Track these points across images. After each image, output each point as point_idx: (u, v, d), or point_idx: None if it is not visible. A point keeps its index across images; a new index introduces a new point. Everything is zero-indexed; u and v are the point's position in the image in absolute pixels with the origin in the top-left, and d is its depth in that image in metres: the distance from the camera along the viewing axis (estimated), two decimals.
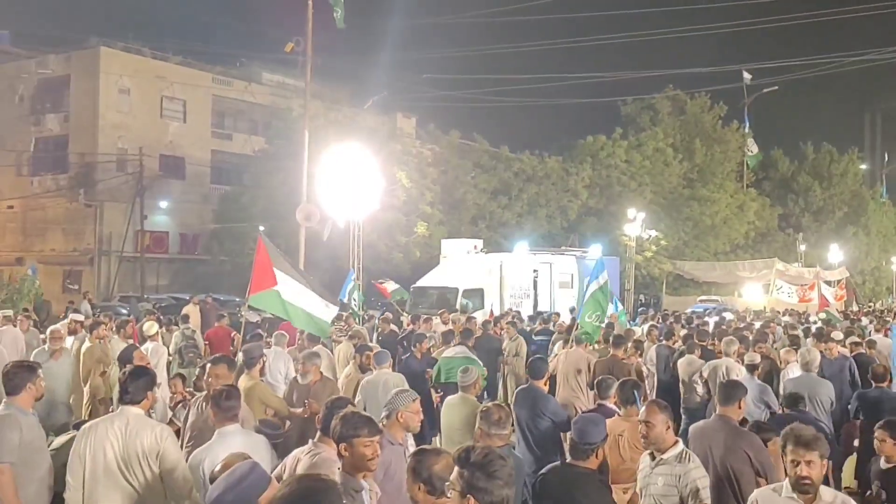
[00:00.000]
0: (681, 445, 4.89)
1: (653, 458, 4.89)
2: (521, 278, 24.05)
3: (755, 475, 5.28)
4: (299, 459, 4.69)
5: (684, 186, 40.41)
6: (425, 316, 15.73)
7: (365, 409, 7.66)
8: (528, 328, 15.94)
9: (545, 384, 7.85)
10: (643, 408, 5.00)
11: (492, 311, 19.84)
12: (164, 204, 39.48)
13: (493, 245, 28.22)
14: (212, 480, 3.72)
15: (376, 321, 15.74)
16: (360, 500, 3.79)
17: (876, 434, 5.80)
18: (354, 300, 16.00)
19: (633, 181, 37.43)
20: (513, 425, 6.50)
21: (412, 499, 3.69)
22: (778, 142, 53.69)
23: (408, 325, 15.80)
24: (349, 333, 12.10)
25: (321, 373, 8.41)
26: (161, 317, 16.59)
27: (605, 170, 37.03)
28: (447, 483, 3.17)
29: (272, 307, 10.07)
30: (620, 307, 17.41)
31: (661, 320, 19.96)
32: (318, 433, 4.82)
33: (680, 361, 10.88)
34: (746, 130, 47.24)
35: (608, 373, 8.79)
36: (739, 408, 5.63)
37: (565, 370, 10.06)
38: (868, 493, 5.88)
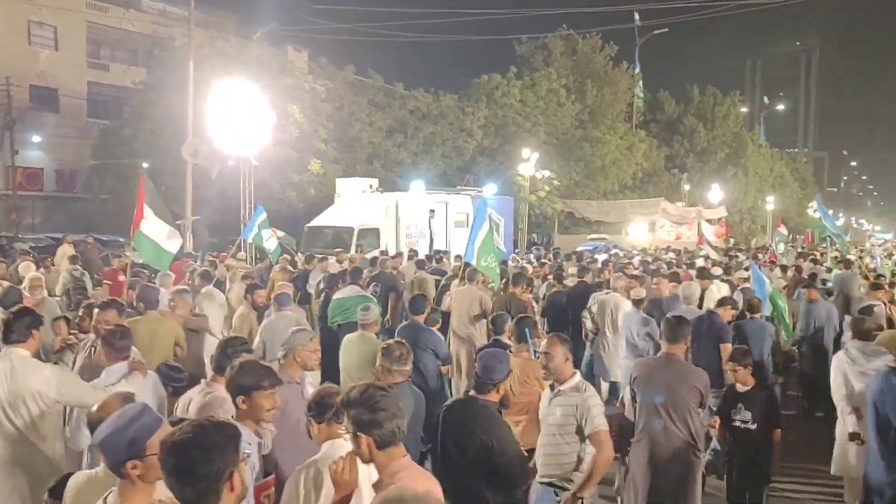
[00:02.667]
0: (578, 377, 5.02)
1: (552, 389, 5.02)
2: (416, 218, 24.03)
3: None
4: (192, 399, 4.57)
5: (577, 127, 41.17)
6: (320, 256, 15.49)
7: (265, 351, 7.57)
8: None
9: (425, 319, 7.97)
10: (545, 340, 5.11)
11: (386, 250, 19.77)
12: (37, 138, 36.99)
13: (388, 184, 27.99)
14: (89, 423, 3.56)
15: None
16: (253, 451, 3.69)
17: (727, 366, 6.30)
18: (270, 238, 15.05)
19: (527, 121, 37.79)
20: None
21: (308, 432, 3.76)
22: (666, 84, 55.49)
23: (303, 265, 15.53)
24: (243, 273, 11.81)
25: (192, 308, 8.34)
26: (37, 257, 15.69)
27: (500, 109, 37.18)
28: (344, 426, 3.16)
29: (141, 245, 10.19)
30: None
31: (552, 258, 20.49)
32: (212, 373, 4.71)
33: (571, 296, 11.23)
34: (636, 72, 48.38)
35: (506, 309, 8.97)
36: (685, 344, 5.73)
37: (459, 307, 10.17)
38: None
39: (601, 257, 22.69)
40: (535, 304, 11.49)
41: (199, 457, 2.51)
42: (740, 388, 6.38)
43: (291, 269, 14.43)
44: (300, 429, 4.02)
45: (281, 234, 19.30)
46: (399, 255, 16.87)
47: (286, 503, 3.51)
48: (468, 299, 10.23)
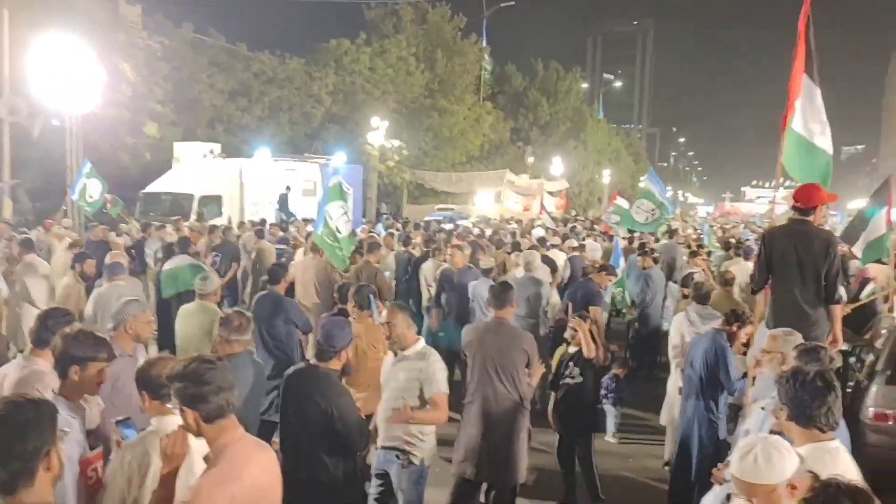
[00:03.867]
0: (422, 343, 5.13)
1: (396, 355, 5.10)
2: (262, 186, 23.37)
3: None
4: (6, 375, 4.25)
5: (426, 97, 41.38)
6: (157, 224, 14.76)
7: (97, 322, 7.14)
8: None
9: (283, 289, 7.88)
10: (385, 310, 5.18)
11: (230, 219, 19.13)
12: None
13: (231, 150, 26.97)
14: None
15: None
16: (75, 426, 3.47)
17: (570, 323, 6.71)
18: (92, 197, 13.96)
19: (376, 89, 37.53)
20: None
21: (140, 408, 3.63)
22: (512, 57, 56.86)
23: (137, 233, 14.73)
24: (70, 242, 11.03)
25: None
26: None
27: (349, 76, 36.66)
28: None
29: None
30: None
31: (401, 227, 20.61)
32: (30, 346, 4.40)
33: (423, 265, 11.36)
34: (484, 44, 49.19)
35: (357, 278, 9.00)
36: (512, 307, 5.93)
37: (304, 277, 10.04)
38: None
39: (448, 227, 23.10)
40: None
41: (13, 435, 2.39)
42: (572, 348, 6.76)
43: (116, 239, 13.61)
44: (132, 403, 3.87)
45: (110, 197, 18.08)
46: (254, 224, 16.30)
47: (109, 482, 3.35)
48: (314, 269, 10.10)
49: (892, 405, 6.98)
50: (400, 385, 4.99)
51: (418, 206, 39.48)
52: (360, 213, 30.67)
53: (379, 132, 33.73)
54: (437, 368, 5.00)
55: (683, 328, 7.54)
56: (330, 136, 35.07)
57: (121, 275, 7.96)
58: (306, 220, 17.71)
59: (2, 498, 2.38)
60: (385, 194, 40.79)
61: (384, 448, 5.09)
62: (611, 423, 8.46)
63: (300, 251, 12.48)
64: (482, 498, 6.07)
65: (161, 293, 9.83)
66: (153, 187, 22.32)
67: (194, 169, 22.69)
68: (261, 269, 12.76)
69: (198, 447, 3.07)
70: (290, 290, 9.20)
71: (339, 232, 9.65)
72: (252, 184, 23.03)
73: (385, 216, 33.04)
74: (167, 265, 9.85)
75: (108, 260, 8.37)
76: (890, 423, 6.95)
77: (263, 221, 17.33)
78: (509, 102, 52.26)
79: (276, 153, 26.44)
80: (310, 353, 9.19)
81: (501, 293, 5.89)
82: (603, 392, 7.94)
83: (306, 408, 4.42)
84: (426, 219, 28.93)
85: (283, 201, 23.11)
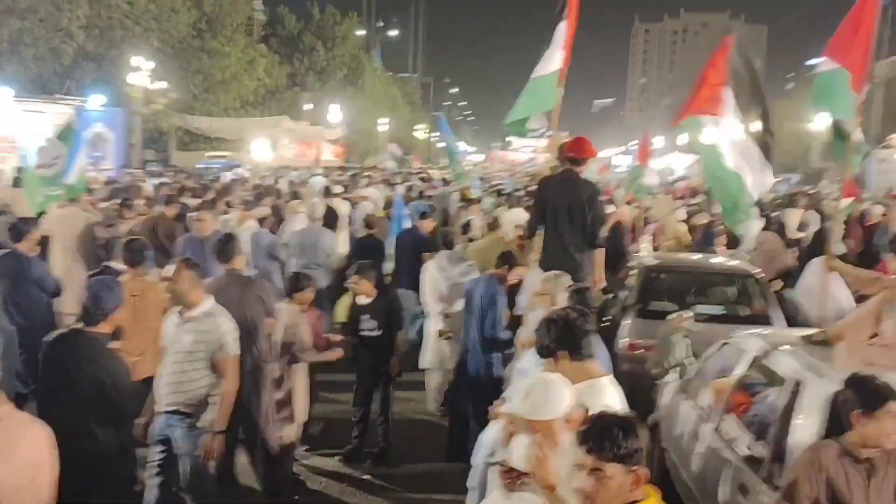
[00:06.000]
0: (211, 302, 4.88)
1: (181, 315, 4.81)
2: (4, 129, 20.79)
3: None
4: None
5: (194, 37, 38.77)
6: None
7: None
8: None
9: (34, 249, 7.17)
10: (170, 267, 4.87)
11: None
12: None
13: None
14: None
15: None
16: None
17: (352, 280, 6.76)
18: None
19: (137, 26, 34.44)
20: None
21: None
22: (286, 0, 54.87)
23: None
24: None
25: None
26: None
27: (104, 10, 33.28)
28: None
29: None
30: None
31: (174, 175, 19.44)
32: None
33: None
34: None
35: (152, 231, 8.43)
36: (242, 256, 5.88)
37: (61, 233, 9.04)
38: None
39: (227, 175, 22.14)
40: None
41: None
42: (363, 300, 6.73)
43: None
44: None
45: None
46: None
47: None
48: (72, 223, 9.17)
49: (642, 335, 7.80)
50: (185, 347, 4.73)
51: (188, 153, 37.33)
52: (122, 159, 28.42)
53: (142, 73, 31.21)
54: (226, 330, 4.80)
55: (435, 274, 7.88)
56: (85, 76, 31.83)
57: None
58: None
59: None
60: (151, 141, 38.03)
61: (166, 413, 4.83)
62: None
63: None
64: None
65: None
66: None
67: None
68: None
69: None
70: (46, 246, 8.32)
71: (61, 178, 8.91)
72: None
73: (150, 163, 30.89)
74: None
75: None
76: (640, 351, 7.78)
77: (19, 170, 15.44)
78: (283, 46, 50.49)
79: (19, 93, 23.58)
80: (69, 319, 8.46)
81: (225, 245, 5.81)
82: None
83: (74, 376, 4.08)
84: (199, 166, 27.50)
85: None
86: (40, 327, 6.23)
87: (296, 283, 6.31)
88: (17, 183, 12.67)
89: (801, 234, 12.14)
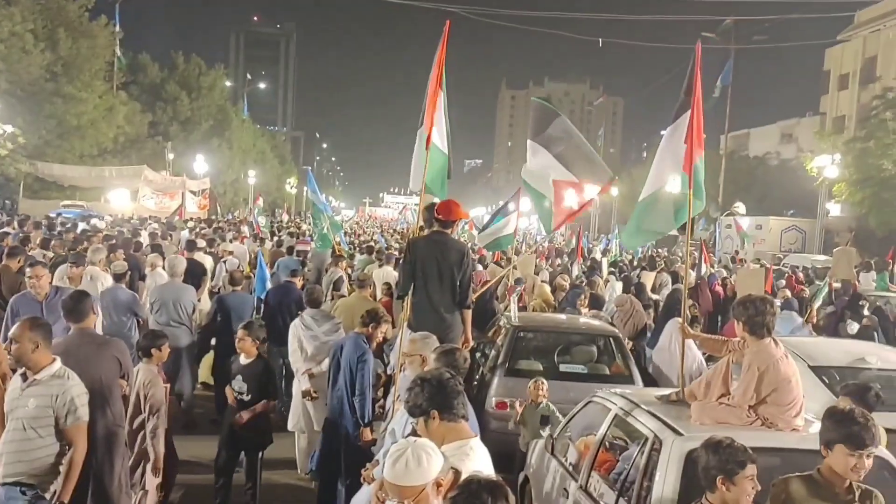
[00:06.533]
0: (58, 364, 4.56)
1: (24, 378, 4.47)
2: None
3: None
4: None
5: (47, 80, 36.82)
6: None
7: None
8: None
9: None
10: (14, 327, 4.50)
11: None
12: None
13: None
14: None
15: None
16: None
17: (238, 334, 6.52)
18: None
19: None
20: None
21: None
22: (149, 48, 53.47)
23: None
24: None
25: None
26: None
27: None
28: None
29: None
30: None
31: (17, 226, 18.15)
32: None
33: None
34: (117, 29, 45.33)
35: None
36: (94, 314, 5.59)
37: None
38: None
39: (82, 225, 20.94)
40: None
41: None
42: (243, 359, 6.53)
43: None
44: None
45: None
46: None
47: None
48: None
49: (510, 394, 7.93)
50: (30, 413, 4.37)
51: (38, 202, 35.04)
52: None
53: None
54: (77, 392, 4.50)
55: (300, 332, 7.75)
56: None
57: None
58: None
59: None
60: None
61: (6, 485, 4.40)
62: None
63: None
64: None
65: None
66: None
67: None
68: None
69: None
70: None
71: None
72: None
73: None
74: None
75: None
76: (508, 409, 7.90)
77: None
78: (144, 94, 48.88)
79: None
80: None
81: (78, 304, 5.52)
82: None
83: None
84: (52, 214, 25.89)
85: None
86: None
87: (153, 341, 6.04)
88: None
89: (656, 296, 12.88)
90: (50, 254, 11.99)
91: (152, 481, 5.73)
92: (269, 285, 10.85)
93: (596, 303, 10.98)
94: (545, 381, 7.16)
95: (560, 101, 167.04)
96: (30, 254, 11.07)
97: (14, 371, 4.76)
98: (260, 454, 6.62)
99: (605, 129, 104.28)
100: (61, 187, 37.22)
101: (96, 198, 36.77)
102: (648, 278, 13.59)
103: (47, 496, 4.43)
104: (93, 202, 35.84)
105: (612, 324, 10.32)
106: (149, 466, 5.71)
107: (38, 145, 35.59)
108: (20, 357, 4.45)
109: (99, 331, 6.86)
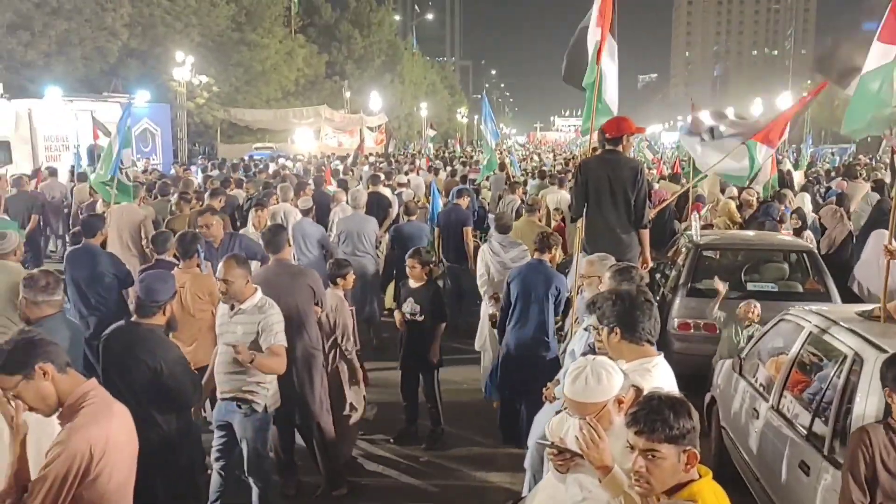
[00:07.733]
0: (259, 294, 4.95)
1: (232, 308, 4.91)
2: (57, 128, 21.33)
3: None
4: None
5: (233, 30, 39.21)
6: None
7: None
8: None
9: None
10: (220, 264, 4.93)
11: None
12: None
13: (16, 90, 24.31)
14: None
15: None
16: None
17: (407, 262, 6.76)
18: None
19: (178, 21, 34.97)
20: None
21: None
22: None
23: None
24: None
25: None
26: None
27: (146, 7, 33.83)
28: None
29: None
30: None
31: (217, 168, 19.72)
32: None
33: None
34: None
35: (190, 226, 8.52)
36: (289, 246, 5.94)
37: (117, 228, 9.35)
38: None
39: (273, 166, 22.38)
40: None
41: None
42: (413, 283, 6.75)
43: None
44: None
45: None
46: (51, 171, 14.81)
47: None
48: (128, 217, 9.44)
49: (693, 315, 7.69)
50: (237, 339, 4.80)
51: (233, 146, 37.79)
52: (170, 154, 28.93)
53: (185, 67, 31.68)
54: (275, 321, 4.87)
55: (487, 257, 7.87)
56: (130, 73, 32.45)
57: None
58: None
59: None
60: (197, 134, 38.64)
61: (224, 399, 4.94)
62: None
63: (100, 201, 11.57)
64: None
65: None
66: None
67: None
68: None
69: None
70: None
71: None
72: (45, 126, 20.95)
73: (200, 157, 31.36)
74: None
75: None
76: (691, 331, 7.67)
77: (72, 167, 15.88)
78: (321, 35, 50.74)
79: (69, 92, 24.15)
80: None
81: (275, 236, 5.89)
82: None
83: (132, 368, 4.18)
84: (245, 157, 27.86)
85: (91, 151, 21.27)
86: (119, 318, 6.40)
87: (338, 269, 6.40)
88: (81, 178, 13.02)
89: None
90: (244, 193, 13.05)
91: (355, 396, 6.16)
92: None
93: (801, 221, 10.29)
94: (758, 304, 6.81)
95: (743, 1, 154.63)
96: (230, 194, 12.07)
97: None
98: (436, 374, 6.89)
99: (796, 27, 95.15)
100: (252, 131, 39.77)
101: (283, 139, 38.95)
102: (860, 189, 12.48)
103: (258, 409, 4.89)
104: (280, 143, 38.04)
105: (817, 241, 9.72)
106: (346, 385, 6.12)
107: (229, 92, 38.16)
108: (235, 293, 4.85)
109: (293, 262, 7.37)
